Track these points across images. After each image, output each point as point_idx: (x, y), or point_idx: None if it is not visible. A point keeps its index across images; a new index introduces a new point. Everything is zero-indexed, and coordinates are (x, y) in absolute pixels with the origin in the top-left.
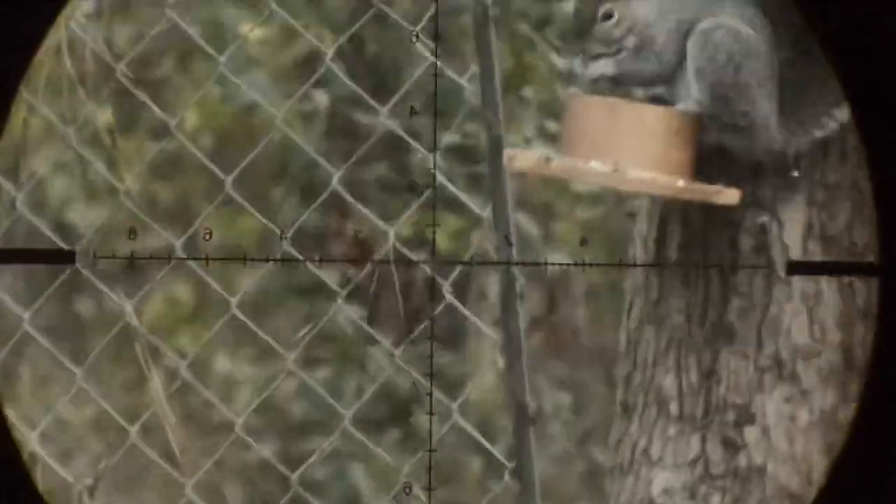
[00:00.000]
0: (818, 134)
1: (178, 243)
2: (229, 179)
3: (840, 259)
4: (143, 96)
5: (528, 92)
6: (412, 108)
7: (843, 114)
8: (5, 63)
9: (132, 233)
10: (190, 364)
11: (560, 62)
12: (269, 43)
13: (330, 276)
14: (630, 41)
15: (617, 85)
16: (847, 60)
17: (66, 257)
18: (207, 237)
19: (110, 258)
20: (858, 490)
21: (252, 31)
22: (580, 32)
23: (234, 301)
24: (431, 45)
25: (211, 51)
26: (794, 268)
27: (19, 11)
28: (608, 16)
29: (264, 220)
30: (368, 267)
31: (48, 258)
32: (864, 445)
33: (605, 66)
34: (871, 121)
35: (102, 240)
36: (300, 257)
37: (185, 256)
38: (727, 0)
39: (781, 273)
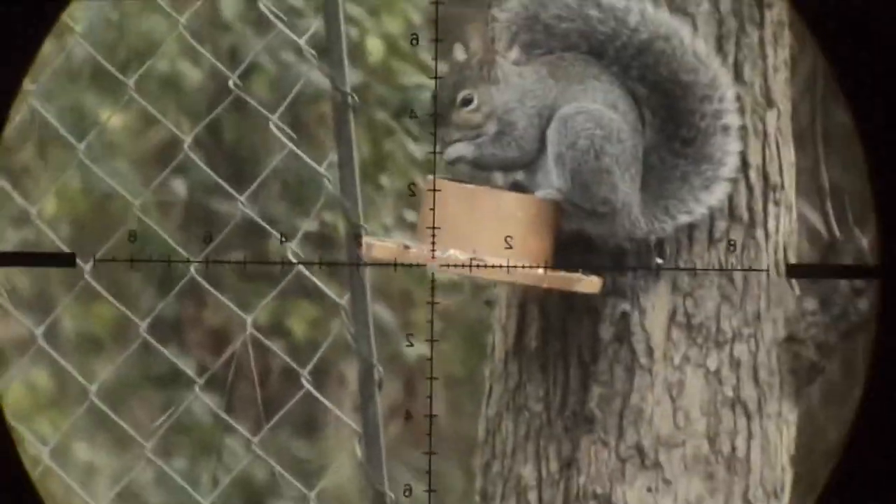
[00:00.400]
0: (684, 220)
1: (39, 331)
2: (87, 267)
3: (838, 262)
4: (3, 184)
5: (385, 180)
6: (412, 111)
7: (711, 198)
8: (5, 63)
9: (132, 236)
10: (51, 450)
11: (418, 150)
12: (128, 130)
13: (188, 365)
14: (490, 127)
15: (476, 171)
16: (847, 60)
17: (66, 260)
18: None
19: (110, 261)
20: (859, 490)
21: (111, 118)
22: (439, 117)
23: (92, 388)
24: (290, 132)
25: (70, 138)
26: (793, 270)
27: (19, 12)
28: (468, 101)
29: (122, 308)
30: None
31: (48, 260)
32: (864, 445)
33: (464, 151)
34: (871, 121)
35: None
36: (158, 345)
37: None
38: (589, 83)
39: (643, 359)
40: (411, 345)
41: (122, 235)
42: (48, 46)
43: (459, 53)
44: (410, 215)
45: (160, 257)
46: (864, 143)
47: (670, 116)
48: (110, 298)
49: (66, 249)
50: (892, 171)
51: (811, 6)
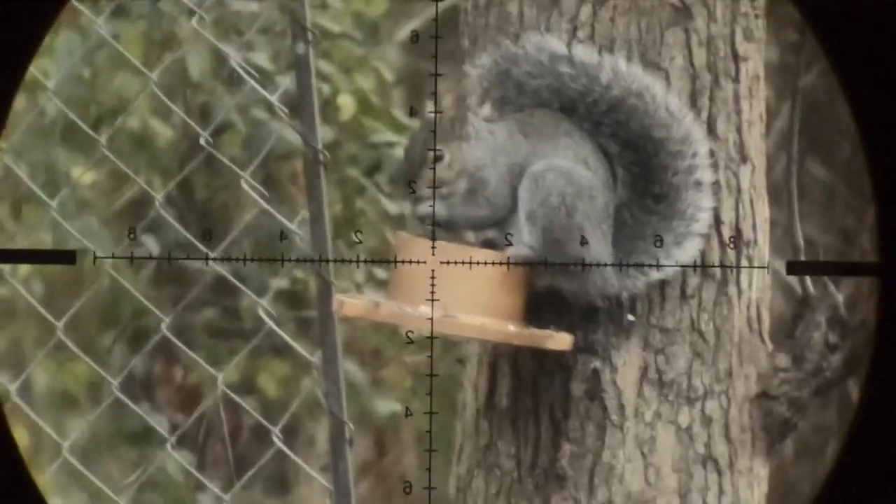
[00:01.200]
0: (657, 276)
1: (13, 387)
2: (60, 325)
3: (841, 260)
4: None
5: (357, 237)
6: (412, 109)
7: (683, 254)
8: (5, 63)
9: (132, 232)
10: None
11: (390, 207)
12: (99, 187)
13: (160, 423)
14: (461, 184)
15: (448, 228)
16: (847, 62)
17: (66, 257)
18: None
19: (110, 258)
20: (859, 489)
21: (83, 176)
22: (410, 174)
23: (66, 445)
24: (262, 189)
25: (42, 195)
26: (794, 267)
27: (19, 12)
28: (439, 158)
29: (94, 366)
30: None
31: (48, 258)
32: (864, 445)
33: (435, 208)
34: (871, 121)
35: None
36: (131, 403)
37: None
38: (560, 139)
39: (615, 416)
40: (411, 341)
41: (94, 292)
42: (20, 103)
43: (429, 108)
44: (382, 271)
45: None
46: (864, 143)
47: (642, 173)
48: (82, 356)
49: (40, 308)
50: (893, 172)
51: (812, 5)
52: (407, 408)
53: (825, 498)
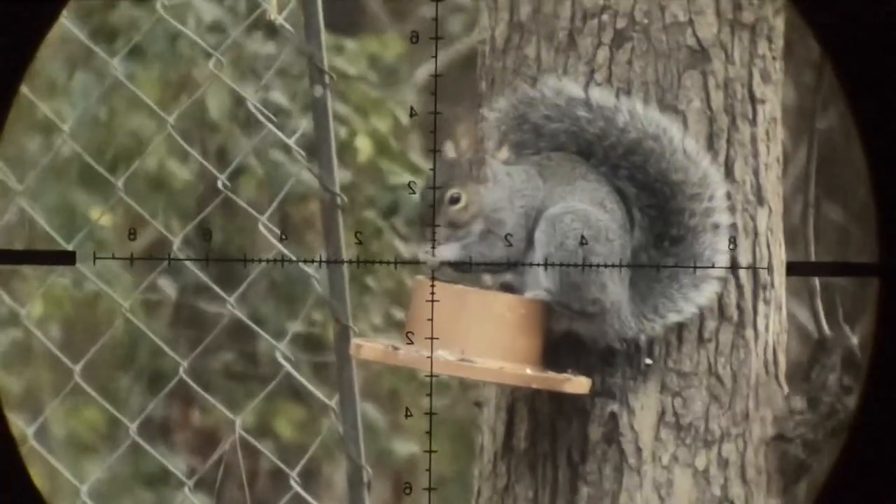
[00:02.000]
0: (675, 319)
1: (30, 431)
2: (77, 368)
3: (841, 260)
4: None
5: (373, 280)
6: (412, 109)
7: (701, 297)
8: (5, 63)
9: (132, 233)
10: None
11: (406, 250)
12: (117, 230)
13: (177, 466)
14: (477, 226)
15: (465, 271)
16: (847, 61)
17: (66, 258)
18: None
19: (110, 258)
20: (859, 489)
21: (101, 218)
22: (428, 217)
23: (83, 488)
24: (278, 232)
25: (58, 238)
26: (793, 268)
27: (19, 12)
28: (455, 199)
29: (111, 409)
30: (214, 456)
31: (48, 258)
32: (864, 444)
33: (449, 254)
34: (871, 121)
35: None
36: (148, 447)
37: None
38: (577, 182)
39: (632, 459)
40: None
41: (111, 337)
42: (35, 144)
43: (450, 151)
44: (400, 314)
45: (149, 357)
46: (864, 143)
47: (659, 216)
48: (100, 399)
49: (55, 351)
50: (893, 172)
51: (812, 5)
52: (407, 408)
53: (826, 498)
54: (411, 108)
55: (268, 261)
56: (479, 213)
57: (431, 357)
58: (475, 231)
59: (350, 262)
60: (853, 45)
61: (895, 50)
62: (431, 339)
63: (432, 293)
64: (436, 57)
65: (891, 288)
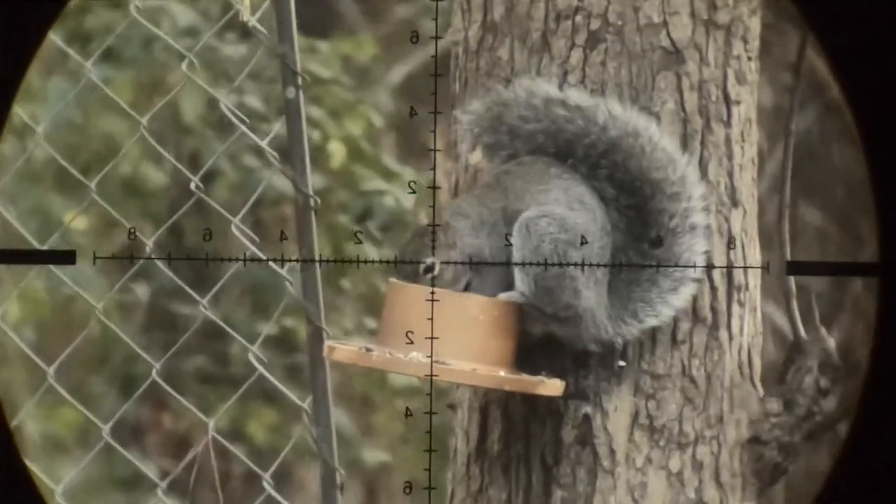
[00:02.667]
0: (652, 323)
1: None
2: (51, 370)
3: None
4: None
5: (347, 283)
6: (412, 108)
7: (679, 299)
8: (5, 63)
9: (131, 232)
10: None
11: (379, 255)
12: (90, 233)
13: (150, 468)
14: (464, 277)
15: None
16: (847, 60)
17: (66, 257)
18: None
19: (110, 258)
20: (860, 489)
21: (73, 220)
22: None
23: (58, 489)
24: (252, 234)
25: (33, 240)
26: (793, 267)
27: (19, 12)
28: (430, 269)
29: (84, 411)
30: (186, 458)
31: (48, 258)
32: (864, 444)
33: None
34: (871, 121)
35: None
36: (121, 449)
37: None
38: (552, 182)
39: (606, 462)
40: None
41: (85, 339)
42: (9, 147)
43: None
44: (371, 322)
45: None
46: (864, 143)
47: (638, 217)
48: (73, 401)
49: (31, 354)
50: (893, 172)
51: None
52: (407, 408)
53: (827, 498)
54: (411, 108)
55: (254, 260)
56: (460, 273)
57: (431, 360)
58: (460, 281)
59: (326, 260)
60: (853, 44)
61: (895, 49)
62: (431, 338)
63: (432, 293)
64: (436, 57)
65: (891, 288)
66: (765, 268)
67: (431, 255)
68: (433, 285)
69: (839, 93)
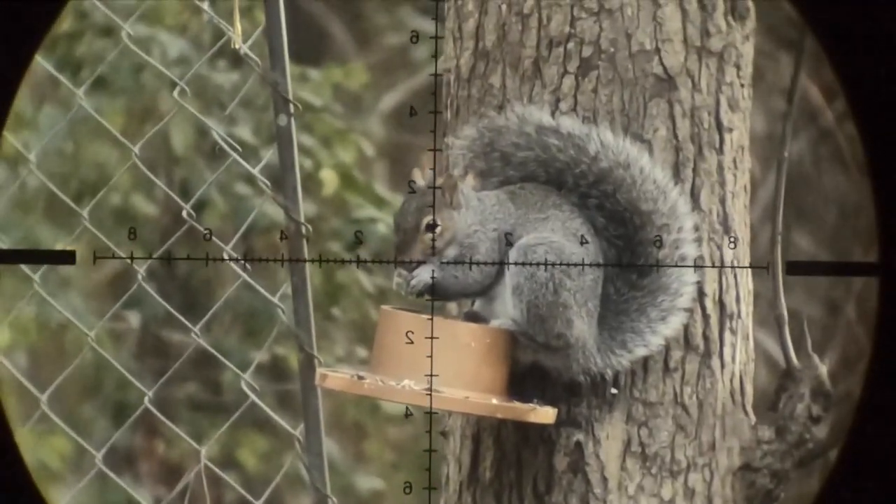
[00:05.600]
0: (642, 353)
1: None
2: (44, 397)
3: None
4: None
5: (338, 311)
6: (412, 108)
7: (668, 329)
8: (5, 63)
9: (132, 232)
10: None
11: (372, 281)
12: (82, 262)
13: (142, 496)
14: (452, 250)
15: (436, 295)
16: (847, 60)
17: (66, 257)
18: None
19: (110, 258)
20: (859, 487)
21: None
22: (402, 247)
23: None
24: (244, 262)
25: (25, 268)
26: (794, 268)
27: (19, 12)
28: (432, 226)
29: (77, 438)
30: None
31: (48, 258)
32: (864, 444)
33: (426, 276)
34: (871, 121)
35: None
36: (114, 476)
37: None
38: (550, 212)
39: (598, 490)
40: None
41: (77, 366)
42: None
43: (419, 178)
44: (362, 351)
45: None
46: (864, 143)
47: (627, 247)
48: (66, 428)
49: (23, 380)
50: (893, 172)
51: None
52: (407, 408)
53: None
54: (411, 108)
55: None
56: (454, 239)
57: (431, 375)
58: (449, 256)
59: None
60: (853, 43)
61: (895, 48)
62: (431, 339)
63: (431, 320)
64: (436, 57)
65: (891, 288)
66: (765, 268)
67: (433, 215)
68: (433, 244)
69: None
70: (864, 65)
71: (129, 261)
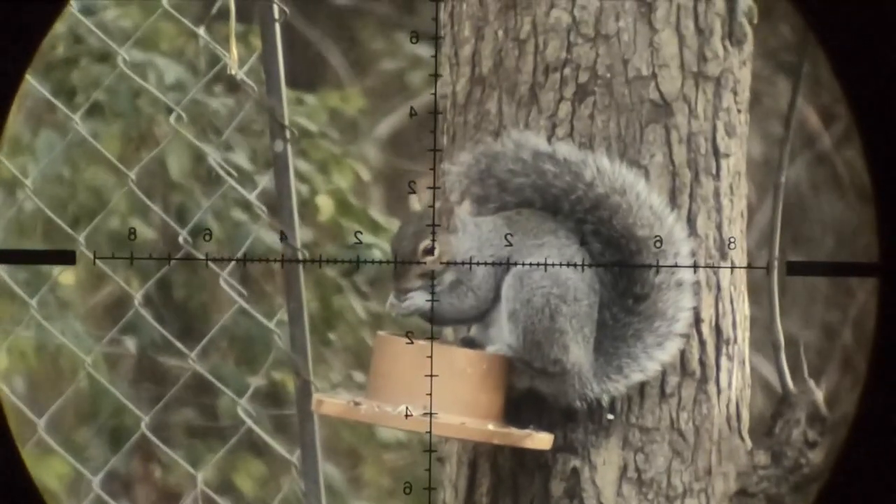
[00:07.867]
0: (638, 379)
1: None
2: (42, 422)
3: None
4: None
5: (334, 336)
6: (412, 108)
7: (664, 354)
8: (6, 62)
9: (132, 233)
10: None
11: (368, 308)
12: (79, 287)
13: None
14: (448, 276)
15: (432, 321)
16: (848, 61)
17: (66, 257)
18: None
19: (110, 258)
20: (859, 487)
21: (62, 274)
22: (399, 270)
23: None
24: (240, 288)
25: (23, 294)
26: (794, 268)
27: (19, 12)
28: (429, 250)
29: (75, 463)
30: None
31: (48, 258)
32: (864, 444)
33: (420, 302)
34: (871, 121)
35: None
36: (111, 501)
37: None
38: (546, 238)
39: None
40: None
41: (74, 391)
42: None
43: (415, 203)
44: (359, 376)
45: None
46: (864, 143)
47: (623, 273)
48: (63, 453)
49: (21, 406)
50: (892, 172)
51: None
52: (407, 407)
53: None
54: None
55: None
56: (450, 264)
57: (431, 393)
58: (446, 281)
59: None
60: (853, 43)
61: (895, 49)
62: (431, 379)
63: (431, 341)
64: (436, 56)
65: (891, 288)
66: (765, 268)
67: (432, 238)
68: (432, 270)
69: (840, 94)
70: (864, 65)
71: (125, 286)
